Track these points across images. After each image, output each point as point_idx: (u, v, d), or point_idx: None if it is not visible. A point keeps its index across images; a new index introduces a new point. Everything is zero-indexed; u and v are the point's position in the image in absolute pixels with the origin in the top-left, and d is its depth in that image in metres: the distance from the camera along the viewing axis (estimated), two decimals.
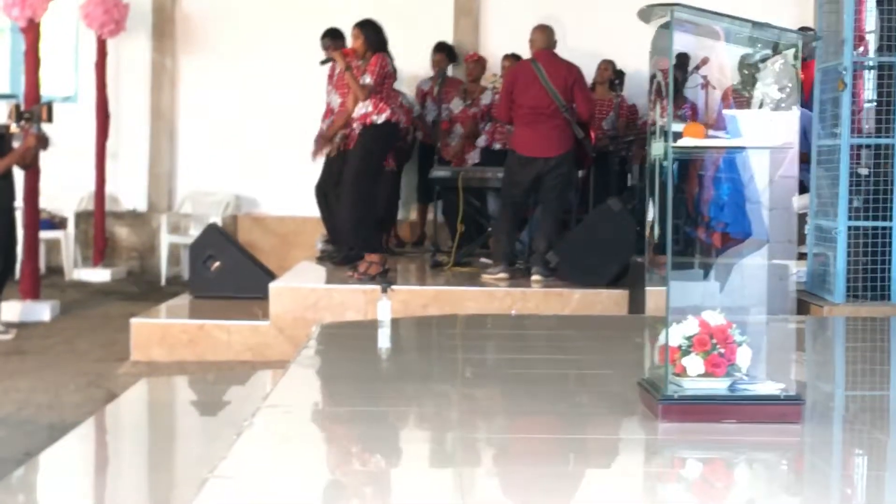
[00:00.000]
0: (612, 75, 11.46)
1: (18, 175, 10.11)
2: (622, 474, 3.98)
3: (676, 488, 3.86)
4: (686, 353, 4.32)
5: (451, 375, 5.66)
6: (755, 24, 4.36)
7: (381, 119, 9.08)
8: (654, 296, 4.63)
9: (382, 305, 6.80)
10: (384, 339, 6.63)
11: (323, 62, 9.92)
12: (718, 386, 4.33)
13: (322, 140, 10.26)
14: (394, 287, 7.01)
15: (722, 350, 4.31)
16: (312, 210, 11.59)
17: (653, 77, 4.57)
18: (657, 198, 4.48)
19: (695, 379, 4.32)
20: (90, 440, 5.84)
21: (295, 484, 3.59)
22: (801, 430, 4.29)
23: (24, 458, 6.09)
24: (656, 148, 4.45)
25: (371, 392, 5.07)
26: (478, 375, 5.69)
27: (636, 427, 4.43)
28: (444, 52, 11.89)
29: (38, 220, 10.67)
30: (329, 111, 10.64)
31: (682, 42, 4.41)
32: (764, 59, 4.53)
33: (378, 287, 7.06)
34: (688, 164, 8.92)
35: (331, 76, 10.32)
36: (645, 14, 4.44)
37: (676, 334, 4.32)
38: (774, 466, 4.08)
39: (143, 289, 12.38)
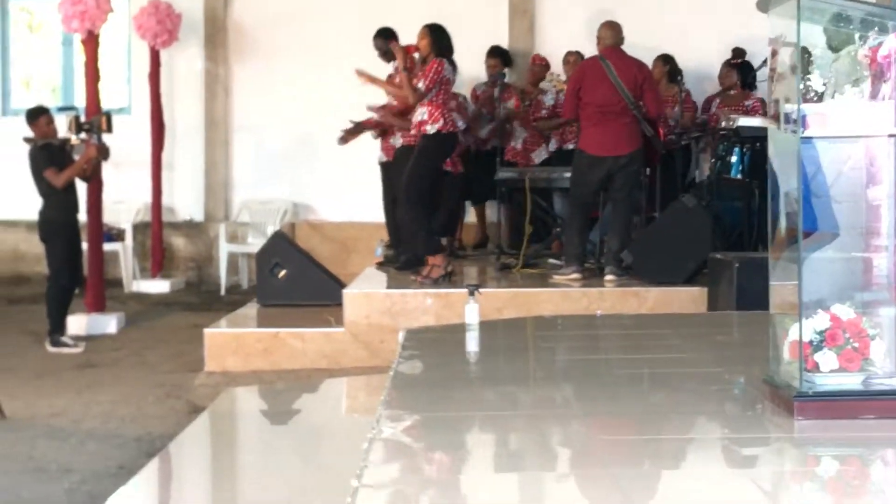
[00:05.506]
0: (667, 69, 11.31)
1: (81, 188, 10.08)
2: (759, 472, 3.87)
3: (812, 486, 3.76)
4: (818, 348, 4.21)
5: (559, 376, 5.58)
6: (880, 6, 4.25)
7: (433, 129, 8.98)
8: (777, 291, 4.50)
9: (470, 309, 6.73)
10: (472, 343, 6.56)
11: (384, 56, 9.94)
12: (852, 381, 4.22)
13: (350, 131, 10.29)
14: (482, 290, 6.90)
15: (856, 344, 4.21)
16: (370, 216, 11.56)
17: (771, 67, 4.47)
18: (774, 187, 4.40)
19: (827, 375, 4.22)
20: (188, 454, 5.75)
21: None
22: None
23: (118, 471, 6.06)
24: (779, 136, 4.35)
25: (473, 397, 5.01)
26: (587, 375, 5.56)
27: (769, 425, 4.32)
28: (499, 57, 11.75)
29: (101, 233, 10.63)
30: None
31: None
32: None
33: (465, 290, 6.95)
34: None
35: (391, 77, 10.19)
36: (763, 3, 4.34)
37: (807, 329, 4.22)
38: None
39: (203, 299, 12.33)
